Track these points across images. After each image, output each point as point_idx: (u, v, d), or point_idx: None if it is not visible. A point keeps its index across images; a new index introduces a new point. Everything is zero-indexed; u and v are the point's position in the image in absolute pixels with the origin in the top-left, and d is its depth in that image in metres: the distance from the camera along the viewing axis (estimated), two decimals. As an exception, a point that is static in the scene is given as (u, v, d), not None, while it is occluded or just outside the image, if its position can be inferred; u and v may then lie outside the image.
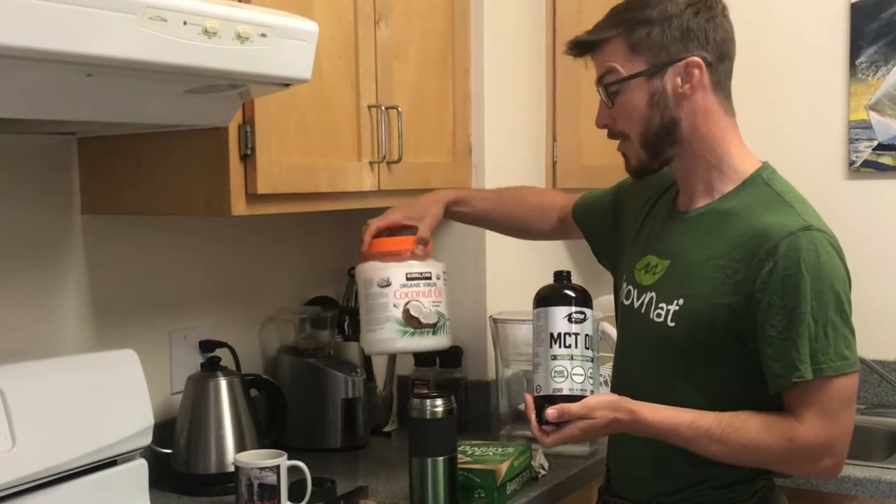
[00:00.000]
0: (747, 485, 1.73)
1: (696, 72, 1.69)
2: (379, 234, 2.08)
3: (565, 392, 1.68)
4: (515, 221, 2.22)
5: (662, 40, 1.69)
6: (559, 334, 1.70)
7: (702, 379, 1.69)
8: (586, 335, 1.71)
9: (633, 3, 1.73)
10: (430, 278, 2.05)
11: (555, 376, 1.69)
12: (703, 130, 1.72)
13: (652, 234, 1.83)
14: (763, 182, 1.72)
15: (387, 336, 2.03)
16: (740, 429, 1.62)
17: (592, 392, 1.70)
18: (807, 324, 1.58)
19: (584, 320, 1.72)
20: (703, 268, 1.68)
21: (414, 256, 2.06)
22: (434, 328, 2.05)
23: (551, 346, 1.70)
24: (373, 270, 2.05)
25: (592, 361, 1.72)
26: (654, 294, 1.74)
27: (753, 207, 1.68)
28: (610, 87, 1.73)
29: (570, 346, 1.70)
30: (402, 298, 2.02)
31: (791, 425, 1.60)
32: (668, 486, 1.75)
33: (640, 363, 1.78)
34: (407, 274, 2.03)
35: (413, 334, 2.03)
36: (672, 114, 1.71)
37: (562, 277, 1.76)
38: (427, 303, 2.04)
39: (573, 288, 1.75)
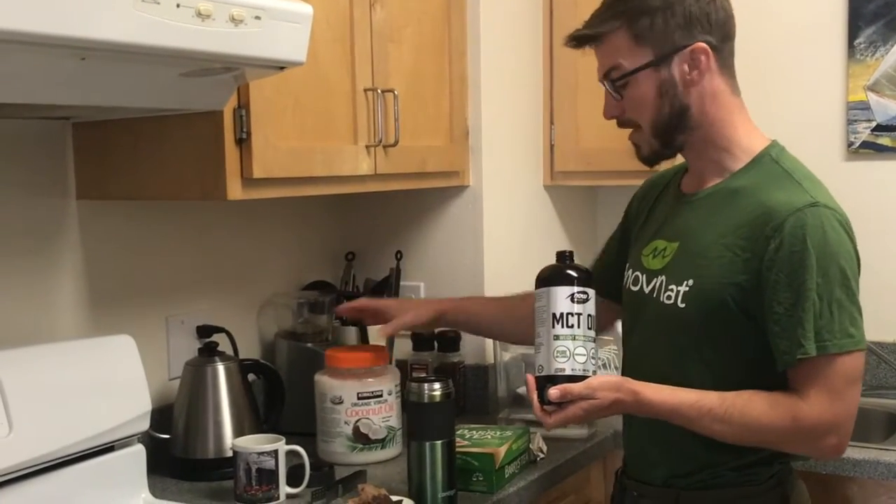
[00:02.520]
0: (764, 468, 1.73)
1: (703, 57, 1.69)
2: (361, 311, 2.18)
3: (567, 372, 1.67)
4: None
5: (666, 29, 1.68)
6: (562, 314, 1.69)
7: (713, 359, 1.69)
8: (589, 315, 1.70)
9: None
10: (381, 396, 2.19)
11: (557, 356, 1.68)
12: (713, 114, 1.72)
13: (659, 220, 1.83)
14: (771, 160, 1.72)
15: (337, 450, 2.19)
16: (743, 408, 1.62)
17: (595, 372, 1.69)
18: (812, 301, 1.58)
19: (586, 300, 1.71)
20: (711, 247, 1.68)
21: (369, 374, 2.19)
22: (383, 442, 2.20)
23: (553, 326, 1.69)
24: (328, 387, 2.20)
25: (595, 342, 1.71)
26: (663, 277, 1.74)
27: (762, 185, 1.68)
28: (617, 81, 1.72)
29: (572, 326, 1.69)
30: (353, 416, 2.17)
31: (795, 404, 1.60)
32: (683, 469, 1.75)
33: (651, 347, 1.78)
34: (359, 393, 2.17)
35: (362, 449, 2.18)
36: (682, 101, 1.71)
37: (564, 258, 1.76)
38: (377, 419, 2.19)
39: (576, 268, 1.74)
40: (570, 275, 1.72)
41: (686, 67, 1.69)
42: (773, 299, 1.61)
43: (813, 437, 1.62)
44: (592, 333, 1.71)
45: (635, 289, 1.81)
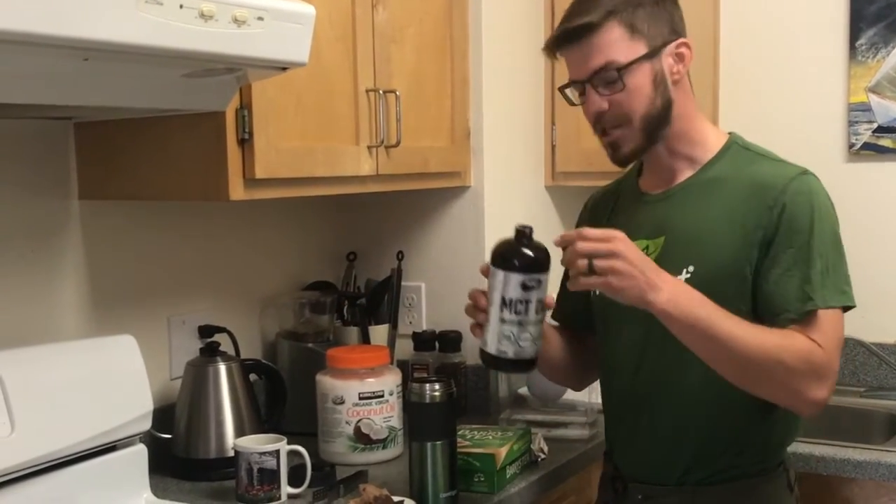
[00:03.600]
0: (774, 452, 1.76)
1: (687, 52, 1.74)
2: None
3: (510, 356, 1.64)
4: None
5: (658, 22, 1.72)
6: (510, 300, 1.63)
7: None
8: (538, 300, 1.64)
9: None
10: (382, 396, 2.19)
11: (502, 340, 1.64)
12: (684, 110, 1.77)
13: (630, 224, 1.79)
14: (740, 147, 1.78)
15: (339, 450, 2.19)
16: (764, 328, 1.61)
17: (537, 353, 1.66)
18: (815, 259, 1.63)
19: (538, 286, 1.64)
20: (706, 232, 1.71)
21: (370, 374, 2.19)
22: (384, 442, 2.20)
23: (501, 310, 1.63)
24: (329, 387, 2.20)
25: (542, 323, 1.67)
26: None
27: (741, 169, 1.74)
28: (620, 71, 1.69)
29: (520, 313, 1.63)
30: (354, 417, 2.17)
31: (809, 342, 1.61)
32: (697, 464, 1.75)
33: (648, 344, 1.76)
34: (360, 394, 2.18)
35: (364, 449, 2.18)
36: (670, 95, 1.74)
37: (522, 237, 1.66)
38: (378, 420, 2.19)
39: (532, 248, 1.64)
40: (523, 260, 1.64)
41: (671, 61, 1.73)
42: (777, 260, 1.65)
43: (815, 379, 1.60)
44: (540, 317, 1.66)
45: None
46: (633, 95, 1.71)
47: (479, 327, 1.69)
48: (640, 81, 1.71)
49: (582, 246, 1.57)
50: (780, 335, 1.62)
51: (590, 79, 1.72)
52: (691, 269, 1.70)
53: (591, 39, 1.71)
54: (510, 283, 1.63)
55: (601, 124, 1.75)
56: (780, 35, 2.90)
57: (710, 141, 1.79)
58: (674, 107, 1.74)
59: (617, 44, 1.70)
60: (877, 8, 2.76)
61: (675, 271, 1.69)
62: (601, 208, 1.94)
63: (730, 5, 2.86)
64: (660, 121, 1.74)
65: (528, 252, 1.64)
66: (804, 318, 1.62)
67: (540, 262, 1.65)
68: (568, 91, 1.80)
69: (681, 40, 1.74)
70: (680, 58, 1.73)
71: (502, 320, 1.64)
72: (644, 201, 1.83)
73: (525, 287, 1.63)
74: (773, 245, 1.65)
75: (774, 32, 2.90)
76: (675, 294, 1.57)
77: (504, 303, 1.63)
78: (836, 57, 2.84)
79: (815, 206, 1.66)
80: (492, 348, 1.66)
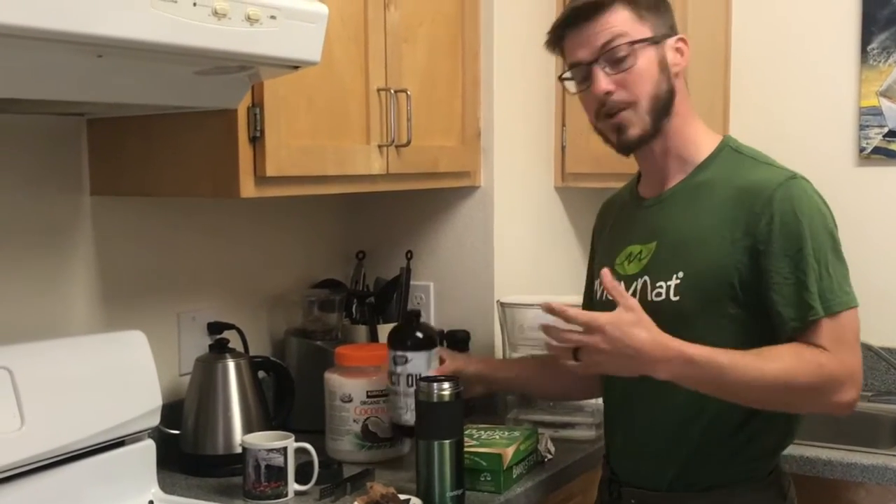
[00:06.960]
0: (764, 462, 1.75)
1: (686, 50, 1.77)
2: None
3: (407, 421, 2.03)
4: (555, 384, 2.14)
5: (664, 14, 1.77)
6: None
7: (714, 345, 1.68)
8: (409, 374, 2.02)
9: None
10: (390, 395, 2.16)
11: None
12: (681, 109, 1.79)
13: (626, 228, 1.84)
14: (732, 150, 1.79)
15: (346, 448, 2.19)
16: (772, 355, 1.62)
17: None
18: (811, 266, 1.63)
19: (407, 362, 2.02)
20: (695, 237, 1.71)
21: (378, 372, 2.18)
22: (391, 441, 2.19)
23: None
24: (337, 384, 2.20)
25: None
26: (646, 278, 1.76)
27: (731, 173, 1.74)
28: (621, 48, 1.72)
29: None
30: (362, 415, 2.17)
31: (818, 353, 1.62)
32: (688, 469, 1.75)
33: None
34: (368, 392, 2.17)
35: (371, 448, 2.18)
36: (673, 83, 1.77)
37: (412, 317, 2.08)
38: (386, 418, 2.17)
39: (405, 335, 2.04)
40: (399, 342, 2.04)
41: (673, 54, 1.76)
42: (772, 270, 1.64)
43: (835, 387, 1.63)
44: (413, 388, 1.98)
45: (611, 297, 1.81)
46: (641, 75, 1.73)
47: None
48: (648, 62, 1.74)
49: (568, 336, 1.63)
50: (788, 356, 1.61)
51: (597, 58, 1.73)
52: (681, 274, 1.71)
53: (599, 18, 1.73)
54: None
55: (606, 108, 1.75)
56: (791, 39, 2.90)
57: (703, 142, 1.80)
58: (676, 100, 1.76)
59: (626, 22, 1.74)
60: (888, 12, 2.76)
61: (665, 277, 1.72)
62: (607, 215, 1.97)
63: (741, 9, 2.86)
64: (665, 107, 1.76)
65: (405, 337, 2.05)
66: (810, 327, 1.63)
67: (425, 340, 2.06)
68: (568, 82, 1.81)
69: (680, 36, 1.77)
70: (680, 52, 1.77)
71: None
72: (641, 206, 1.85)
73: (396, 362, 2.05)
74: (767, 256, 1.65)
75: (785, 36, 2.90)
76: (674, 369, 1.62)
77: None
78: (847, 61, 2.83)
79: (805, 212, 1.65)
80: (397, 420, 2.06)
